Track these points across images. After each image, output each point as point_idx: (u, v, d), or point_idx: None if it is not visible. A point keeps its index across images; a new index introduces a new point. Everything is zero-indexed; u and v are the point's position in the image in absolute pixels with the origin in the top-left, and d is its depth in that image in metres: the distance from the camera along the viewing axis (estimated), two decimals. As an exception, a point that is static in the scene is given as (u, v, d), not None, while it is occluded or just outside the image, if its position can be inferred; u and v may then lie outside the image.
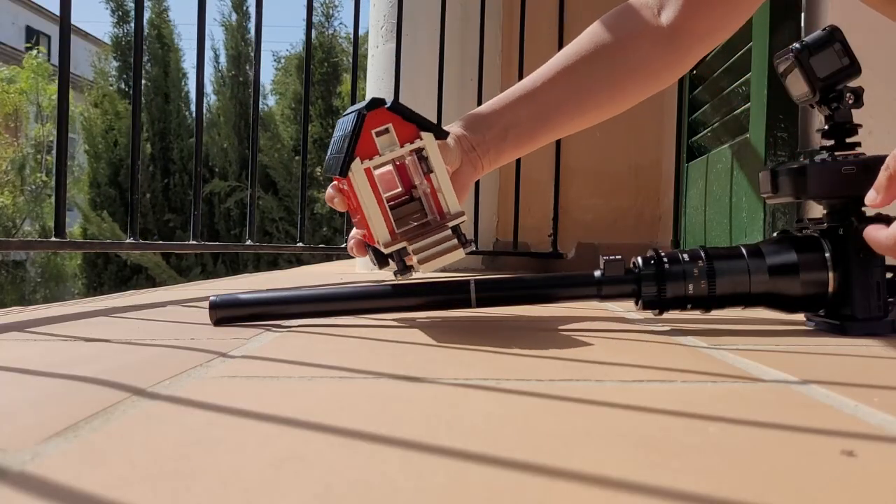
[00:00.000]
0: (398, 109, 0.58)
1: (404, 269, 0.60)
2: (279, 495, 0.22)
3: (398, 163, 0.60)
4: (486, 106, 0.70)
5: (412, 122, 0.59)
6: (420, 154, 0.59)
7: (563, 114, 0.70)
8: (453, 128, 0.67)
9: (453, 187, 0.60)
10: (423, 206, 0.60)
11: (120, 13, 6.92)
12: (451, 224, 0.59)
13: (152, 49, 6.75)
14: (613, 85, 0.70)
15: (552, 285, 0.65)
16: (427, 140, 0.59)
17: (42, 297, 7.66)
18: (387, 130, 0.58)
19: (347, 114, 0.63)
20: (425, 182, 0.59)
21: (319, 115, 6.63)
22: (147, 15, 6.84)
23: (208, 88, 6.87)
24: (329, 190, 0.67)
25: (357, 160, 0.57)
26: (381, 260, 0.64)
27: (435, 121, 1.48)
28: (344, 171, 0.57)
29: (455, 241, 0.59)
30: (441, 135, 0.60)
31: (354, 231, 0.69)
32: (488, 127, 0.68)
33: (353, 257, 2.01)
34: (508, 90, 0.71)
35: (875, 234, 0.54)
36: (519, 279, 0.67)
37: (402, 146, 0.58)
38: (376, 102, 0.58)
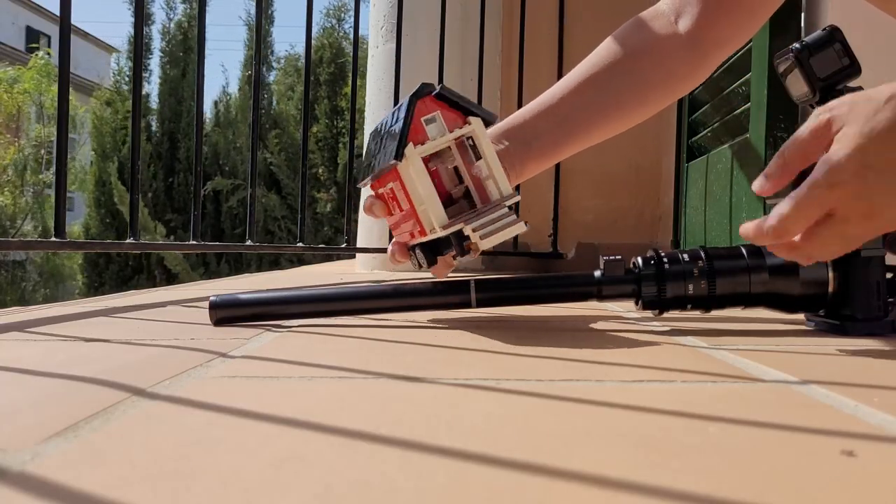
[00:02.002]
0: (445, 96, 0.58)
1: (462, 252, 0.58)
2: (279, 495, 0.22)
3: (432, 168, 0.60)
4: (505, 122, 0.70)
5: (458, 109, 0.58)
6: (467, 141, 0.59)
7: (585, 124, 0.69)
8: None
9: None
10: (467, 201, 0.60)
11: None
12: (507, 204, 0.59)
13: (173, 52, 6.78)
14: (634, 96, 0.70)
15: (552, 285, 0.65)
16: (475, 125, 0.58)
17: (42, 297, 7.66)
18: (434, 119, 0.58)
19: (388, 116, 0.62)
20: (479, 166, 0.59)
21: (325, 114, 6.64)
22: (177, 17, 6.88)
23: (233, 88, 6.92)
24: (366, 200, 0.66)
25: (410, 145, 0.57)
26: (430, 256, 0.62)
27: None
28: (399, 155, 0.56)
29: (514, 216, 0.58)
30: (489, 118, 0.60)
31: (394, 239, 0.68)
32: (510, 140, 0.68)
33: (353, 257, 2.01)
34: (527, 105, 0.70)
35: (746, 226, 0.48)
36: (519, 279, 0.67)
37: (450, 132, 0.58)
38: (425, 89, 0.58)
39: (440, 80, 1.54)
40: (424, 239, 0.60)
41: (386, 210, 0.65)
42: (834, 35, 0.60)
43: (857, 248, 0.51)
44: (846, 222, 0.45)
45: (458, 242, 0.58)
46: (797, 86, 0.63)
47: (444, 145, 0.59)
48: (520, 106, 1.75)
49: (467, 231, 0.57)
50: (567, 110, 0.68)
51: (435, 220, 0.57)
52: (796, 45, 0.61)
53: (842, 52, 0.60)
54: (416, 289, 0.65)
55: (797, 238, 0.47)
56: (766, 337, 0.58)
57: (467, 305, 0.63)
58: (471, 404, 0.34)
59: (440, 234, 0.57)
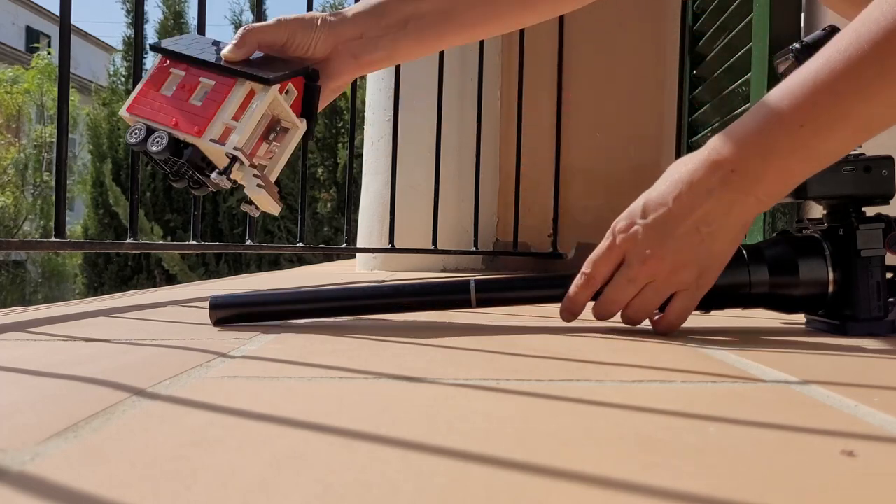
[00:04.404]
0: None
1: (223, 171, 0.57)
2: (279, 495, 0.22)
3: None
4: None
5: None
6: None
7: (473, 13, 0.64)
8: (340, 11, 0.62)
9: (325, 82, 0.62)
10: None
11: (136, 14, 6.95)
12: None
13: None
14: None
15: (552, 285, 0.65)
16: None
17: (42, 297, 7.67)
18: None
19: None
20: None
21: (324, 114, 6.65)
22: (159, 16, 6.89)
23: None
24: (154, 69, 0.61)
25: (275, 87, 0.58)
26: (173, 149, 0.58)
27: (434, 123, 1.48)
28: (274, 81, 0.57)
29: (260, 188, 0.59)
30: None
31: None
32: (384, 13, 0.62)
33: (353, 257, 2.01)
34: None
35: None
36: (519, 279, 0.67)
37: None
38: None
39: (440, 80, 1.52)
40: (184, 135, 0.57)
41: (160, 85, 0.59)
42: (833, 35, 0.60)
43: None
44: (629, 267, 0.59)
45: (230, 165, 0.56)
46: (797, 86, 0.63)
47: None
48: (520, 105, 1.75)
49: (246, 165, 0.57)
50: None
51: (238, 138, 0.56)
52: (796, 45, 0.61)
53: (842, 52, 0.60)
54: (416, 289, 0.65)
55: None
56: (766, 337, 0.58)
57: (467, 305, 0.63)
58: (471, 404, 0.34)
59: (227, 150, 0.56)
